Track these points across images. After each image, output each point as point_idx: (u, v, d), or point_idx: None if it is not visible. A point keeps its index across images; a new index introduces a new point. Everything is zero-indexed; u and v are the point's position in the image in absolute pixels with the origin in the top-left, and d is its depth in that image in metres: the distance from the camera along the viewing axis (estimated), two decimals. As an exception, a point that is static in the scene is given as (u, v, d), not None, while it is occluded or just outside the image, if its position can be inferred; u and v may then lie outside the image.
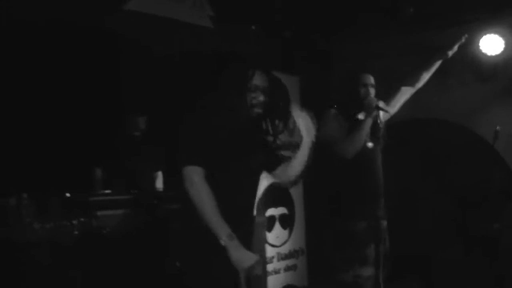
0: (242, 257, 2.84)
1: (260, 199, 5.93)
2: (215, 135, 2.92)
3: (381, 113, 4.21)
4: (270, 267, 5.89)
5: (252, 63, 3.21)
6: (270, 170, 3.28)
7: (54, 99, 4.62)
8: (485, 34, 5.57)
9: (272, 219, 6.06)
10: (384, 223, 4.22)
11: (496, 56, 5.60)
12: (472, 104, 5.86)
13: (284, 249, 6.21)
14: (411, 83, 4.46)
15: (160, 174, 5.34)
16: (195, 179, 2.84)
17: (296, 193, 6.41)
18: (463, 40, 4.51)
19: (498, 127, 4.98)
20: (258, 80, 3.10)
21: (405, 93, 4.46)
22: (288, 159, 3.32)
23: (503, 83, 5.73)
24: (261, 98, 3.07)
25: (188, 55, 5.30)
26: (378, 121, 4.20)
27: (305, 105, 6.33)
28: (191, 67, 5.32)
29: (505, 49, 5.54)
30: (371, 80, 4.24)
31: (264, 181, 5.95)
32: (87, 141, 4.73)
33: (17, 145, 4.27)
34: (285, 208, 6.27)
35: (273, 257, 6.03)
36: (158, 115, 5.37)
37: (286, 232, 6.26)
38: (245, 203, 3.08)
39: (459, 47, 4.51)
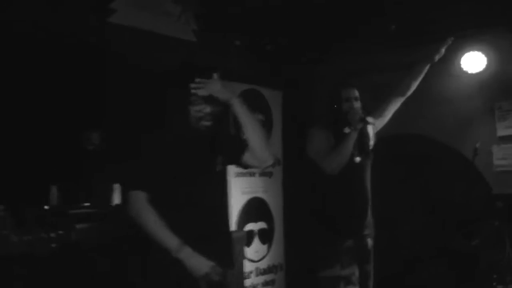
0: (196, 264, 2.87)
1: (239, 214, 5.91)
2: (160, 156, 2.91)
3: (370, 126, 4.17)
4: (248, 282, 5.85)
5: (194, 72, 3.11)
6: (237, 160, 3.24)
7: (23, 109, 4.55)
8: (467, 51, 5.63)
9: (251, 234, 6.03)
10: (370, 241, 4.16)
11: (476, 73, 5.66)
12: (453, 121, 5.89)
13: (263, 264, 6.18)
14: (400, 92, 4.42)
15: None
16: (138, 205, 2.87)
17: (276, 208, 6.39)
18: (449, 42, 4.46)
19: (477, 144, 5.03)
20: (202, 91, 3.04)
21: (395, 103, 4.43)
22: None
23: (483, 100, 5.77)
24: (208, 109, 3.02)
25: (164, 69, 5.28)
26: (366, 134, 4.16)
27: (288, 119, 6.47)
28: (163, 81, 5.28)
29: (486, 66, 5.61)
30: (354, 93, 4.18)
31: (243, 196, 5.98)
32: (48, 155, 4.64)
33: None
34: (264, 223, 6.24)
35: (251, 272, 6.00)
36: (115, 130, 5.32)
37: (265, 247, 6.23)
38: (207, 216, 3.02)
39: (441, 63, 4.51)
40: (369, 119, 4.05)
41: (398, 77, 4.60)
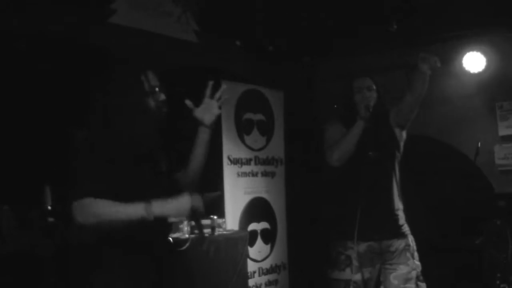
0: (177, 206, 2.81)
1: (242, 214, 5.92)
2: (106, 157, 2.81)
3: (393, 119, 3.96)
4: (251, 282, 5.85)
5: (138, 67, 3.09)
6: (173, 173, 3.22)
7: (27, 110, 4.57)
8: (468, 51, 5.65)
9: (254, 234, 6.04)
10: (390, 243, 3.84)
11: (478, 73, 5.68)
12: (454, 121, 5.90)
13: (266, 264, 6.19)
14: (410, 92, 3.97)
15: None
16: (86, 209, 2.71)
17: (278, 208, 6.40)
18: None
19: (479, 144, 5.03)
20: (153, 81, 3.04)
21: (407, 101, 3.97)
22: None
23: (485, 99, 5.78)
24: (163, 96, 3.04)
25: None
26: (382, 127, 3.92)
27: (290, 119, 6.48)
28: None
29: (487, 66, 5.63)
30: (366, 82, 3.99)
31: (246, 196, 6.00)
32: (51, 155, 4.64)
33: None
34: (267, 223, 6.25)
35: (254, 272, 6.00)
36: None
37: (267, 247, 6.24)
38: None
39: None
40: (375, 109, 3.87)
41: (398, 77, 4.59)
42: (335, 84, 6.60)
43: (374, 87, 3.99)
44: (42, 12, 4.30)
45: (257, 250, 6.08)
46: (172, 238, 4.52)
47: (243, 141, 6.04)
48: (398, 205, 3.93)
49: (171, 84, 3.19)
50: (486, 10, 5.15)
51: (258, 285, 6.06)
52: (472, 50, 5.66)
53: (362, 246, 3.80)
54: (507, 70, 5.58)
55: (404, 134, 4.06)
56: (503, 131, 5.75)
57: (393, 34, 5.57)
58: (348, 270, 3.79)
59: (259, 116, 6.26)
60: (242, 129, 6.04)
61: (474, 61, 5.65)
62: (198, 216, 2.97)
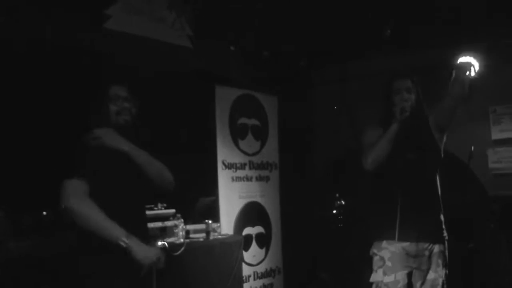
0: (146, 251, 2.99)
1: (237, 219, 5.93)
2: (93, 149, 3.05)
3: (433, 122, 3.81)
4: (246, 286, 5.86)
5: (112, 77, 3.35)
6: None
7: (27, 116, 4.58)
8: (461, 56, 5.66)
9: (248, 238, 6.05)
10: (427, 246, 3.64)
11: (473, 78, 5.69)
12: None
13: (261, 268, 6.20)
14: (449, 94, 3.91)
15: None
16: (77, 196, 2.93)
17: (273, 212, 6.42)
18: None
19: (473, 147, 5.05)
20: (117, 89, 3.26)
21: (444, 105, 3.88)
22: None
23: (478, 104, 5.81)
24: (126, 104, 3.24)
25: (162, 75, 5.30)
26: (420, 129, 3.78)
27: (284, 124, 6.50)
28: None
29: (478, 71, 5.64)
30: (406, 83, 3.82)
31: (240, 201, 6.01)
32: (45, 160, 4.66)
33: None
34: (261, 227, 6.26)
35: (249, 276, 6.02)
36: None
37: (262, 251, 6.25)
38: (134, 213, 3.19)
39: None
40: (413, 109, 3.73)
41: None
42: (329, 88, 6.68)
43: (414, 89, 3.84)
44: (36, 18, 4.30)
45: (252, 254, 6.09)
46: (167, 243, 4.53)
47: (237, 145, 6.06)
48: (440, 208, 3.79)
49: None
50: (479, 15, 5.19)
51: (253, 289, 6.08)
52: (465, 55, 5.67)
53: (397, 247, 3.63)
54: (500, 75, 5.61)
55: (444, 137, 3.95)
56: (496, 135, 5.79)
57: (387, 39, 5.61)
58: (380, 271, 3.66)
59: (253, 121, 6.28)
60: (237, 134, 6.05)
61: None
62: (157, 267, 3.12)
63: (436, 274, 3.64)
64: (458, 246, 5.40)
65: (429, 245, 3.65)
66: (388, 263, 3.63)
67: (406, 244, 3.62)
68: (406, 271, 3.65)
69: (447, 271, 3.69)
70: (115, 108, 3.22)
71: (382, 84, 3.93)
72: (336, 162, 6.80)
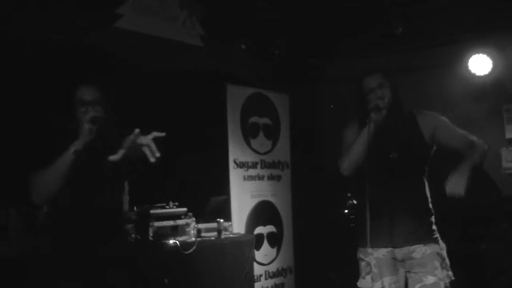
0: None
1: (249, 218, 5.93)
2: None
3: (423, 119, 3.62)
4: (258, 285, 5.86)
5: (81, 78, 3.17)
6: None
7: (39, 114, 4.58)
8: (474, 54, 5.64)
9: (260, 237, 6.04)
10: (413, 248, 3.46)
11: (484, 76, 5.66)
12: (461, 124, 5.87)
13: (272, 267, 6.19)
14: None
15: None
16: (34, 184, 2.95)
17: (284, 211, 6.40)
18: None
19: (486, 146, 5.01)
20: (85, 94, 3.08)
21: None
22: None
23: (491, 102, 5.77)
24: (92, 113, 3.02)
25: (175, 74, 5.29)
26: (402, 127, 3.58)
27: (295, 124, 6.48)
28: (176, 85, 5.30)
29: (492, 69, 5.61)
30: (378, 79, 3.59)
31: (252, 200, 6.01)
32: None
33: (4, 161, 4.22)
34: (273, 226, 6.25)
35: (261, 275, 6.01)
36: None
37: (274, 251, 6.25)
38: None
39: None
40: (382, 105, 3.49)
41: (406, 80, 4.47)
42: (341, 86, 6.65)
43: (387, 83, 3.60)
44: (47, 17, 4.31)
45: (264, 253, 6.09)
46: (179, 242, 4.54)
47: (249, 144, 6.05)
48: (427, 208, 3.59)
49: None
50: (490, 13, 5.15)
51: (265, 289, 6.07)
52: (478, 52, 5.65)
53: (381, 252, 3.49)
54: (513, 72, 5.57)
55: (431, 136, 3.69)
56: (510, 134, 5.75)
57: (399, 36, 5.58)
58: (368, 277, 3.51)
59: (264, 120, 6.27)
60: (248, 133, 6.05)
61: (480, 64, 5.63)
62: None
63: (436, 277, 3.42)
64: (471, 247, 5.40)
65: (415, 247, 3.45)
66: (375, 270, 3.49)
67: (389, 249, 3.48)
68: (394, 276, 3.49)
69: (451, 273, 3.48)
70: (81, 115, 3.03)
71: (355, 85, 3.72)
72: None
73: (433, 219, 3.58)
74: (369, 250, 3.46)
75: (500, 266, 5.34)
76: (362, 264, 3.56)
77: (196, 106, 5.46)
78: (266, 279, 6.09)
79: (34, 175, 2.95)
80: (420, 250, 3.45)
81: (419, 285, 3.44)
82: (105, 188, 3.15)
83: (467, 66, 5.69)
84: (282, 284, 6.30)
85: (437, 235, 3.54)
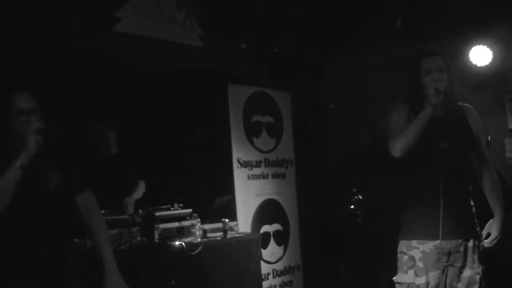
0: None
1: (254, 217, 5.92)
2: None
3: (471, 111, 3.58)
4: (266, 284, 5.85)
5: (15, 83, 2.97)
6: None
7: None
8: (474, 45, 5.64)
9: (266, 236, 6.04)
10: (461, 242, 3.39)
11: (485, 66, 5.66)
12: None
13: (280, 266, 6.19)
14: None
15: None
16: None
17: (290, 209, 6.40)
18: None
19: (489, 137, 5.01)
20: (23, 102, 2.82)
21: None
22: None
23: (493, 93, 5.76)
24: (37, 124, 2.81)
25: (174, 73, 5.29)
26: (459, 116, 3.52)
27: (298, 121, 6.48)
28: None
29: (493, 59, 5.61)
30: (439, 62, 3.46)
31: (257, 198, 6.00)
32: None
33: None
34: (279, 224, 6.25)
35: (268, 274, 6.00)
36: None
37: (281, 249, 6.24)
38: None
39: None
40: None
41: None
42: (343, 82, 6.65)
43: (446, 68, 3.47)
44: (46, 22, 4.32)
45: (270, 252, 6.08)
46: (185, 243, 4.54)
47: (252, 143, 6.04)
48: (471, 202, 3.51)
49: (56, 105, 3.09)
50: (490, 3, 5.14)
51: (273, 287, 6.06)
52: (478, 44, 5.65)
53: (429, 245, 3.37)
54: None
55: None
56: (513, 124, 5.74)
57: (399, 30, 5.57)
58: (411, 272, 3.38)
59: (267, 118, 6.26)
60: (251, 132, 6.04)
61: (480, 55, 5.64)
62: None
63: (473, 270, 3.38)
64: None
65: (463, 241, 3.38)
66: (419, 264, 3.37)
67: (438, 242, 3.35)
68: (439, 271, 3.37)
69: (484, 267, 3.43)
70: (22, 126, 2.82)
71: (409, 64, 3.58)
72: (351, 157, 6.77)
73: (474, 211, 3.52)
74: (414, 243, 3.39)
75: (509, 257, 5.32)
76: (405, 258, 3.43)
77: (198, 107, 5.47)
78: (274, 277, 6.09)
79: None
80: (464, 244, 3.39)
81: (457, 278, 3.39)
82: (51, 204, 2.96)
83: (468, 58, 5.69)
84: (290, 282, 6.30)
85: (478, 228, 3.49)
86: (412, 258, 3.40)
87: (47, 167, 2.91)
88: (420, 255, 3.38)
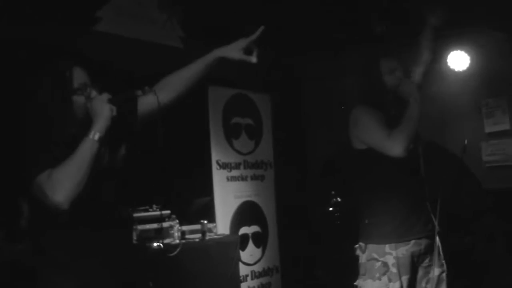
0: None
1: (233, 218, 5.93)
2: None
3: None
4: (244, 286, 5.86)
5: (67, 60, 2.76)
6: None
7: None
8: (452, 50, 5.69)
9: (245, 237, 6.05)
10: (430, 242, 3.42)
11: (463, 71, 5.72)
12: (441, 119, 5.93)
13: (258, 267, 6.20)
14: None
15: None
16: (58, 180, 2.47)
17: (269, 211, 6.41)
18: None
19: (466, 141, 5.06)
20: (80, 77, 2.71)
21: None
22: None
23: (470, 97, 5.82)
24: (94, 93, 2.71)
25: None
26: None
27: (277, 123, 6.49)
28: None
29: (470, 64, 5.67)
30: (396, 62, 3.53)
31: (236, 200, 6.01)
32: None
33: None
34: (258, 226, 6.26)
35: (247, 276, 6.01)
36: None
37: (259, 251, 6.25)
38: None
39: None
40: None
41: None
42: (322, 84, 6.66)
43: (401, 69, 3.54)
44: (26, 20, 4.29)
45: (249, 253, 6.09)
46: (163, 244, 4.53)
47: (231, 145, 6.06)
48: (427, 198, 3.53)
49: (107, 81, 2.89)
50: (468, 9, 5.19)
51: (251, 289, 6.08)
52: (456, 49, 5.71)
53: (402, 251, 3.33)
54: (491, 68, 5.61)
55: None
56: (489, 128, 5.80)
57: (378, 34, 5.60)
58: (384, 278, 3.31)
59: (247, 120, 6.28)
60: (230, 134, 6.06)
61: (458, 60, 5.69)
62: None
63: (440, 269, 3.43)
64: (456, 240, 5.43)
65: (429, 240, 3.42)
66: (393, 269, 3.30)
67: (410, 246, 3.34)
68: (412, 275, 3.37)
69: (445, 264, 3.49)
70: (83, 99, 2.70)
71: (367, 65, 3.63)
72: (331, 159, 6.80)
73: (430, 209, 3.53)
74: (387, 248, 3.34)
75: (485, 259, 5.38)
76: (377, 264, 3.36)
77: (178, 108, 5.45)
78: (252, 279, 6.10)
79: (56, 172, 2.47)
80: (431, 243, 3.43)
81: (426, 278, 3.42)
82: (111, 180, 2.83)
83: (446, 62, 5.75)
84: (269, 283, 6.31)
85: (437, 226, 3.50)
86: (385, 264, 3.33)
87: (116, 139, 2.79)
88: (394, 261, 3.32)
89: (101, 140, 2.61)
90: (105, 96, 2.67)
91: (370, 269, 3.40)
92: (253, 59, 2.90)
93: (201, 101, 5.75)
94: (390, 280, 3.32)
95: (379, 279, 3.34)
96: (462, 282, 5.34)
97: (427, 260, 3.44)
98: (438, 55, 5.73)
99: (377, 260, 3.37)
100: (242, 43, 2.93)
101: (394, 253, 3.34)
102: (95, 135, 2.58)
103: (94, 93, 2.70)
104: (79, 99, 2.67)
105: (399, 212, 3.37)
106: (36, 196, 2.51)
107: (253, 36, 2.91)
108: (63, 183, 2.46)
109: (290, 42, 6.21)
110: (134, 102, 2.86)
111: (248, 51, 2.92)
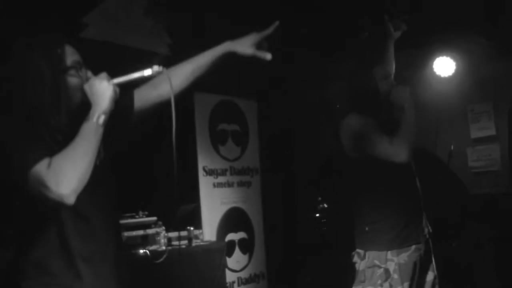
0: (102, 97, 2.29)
1: (219, 225, 5.91)
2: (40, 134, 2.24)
3: None
4: (230, 292, 5.86)
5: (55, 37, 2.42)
6: None
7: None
8: (438, 56, 5.73)
9: (231, 244, 6.03)
10: (426, 247, 3.40)
11: (449, 77, 5.75)
12: (427, 124, 5.94)
13: (245, 274, 6.18)
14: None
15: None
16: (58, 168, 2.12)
17: (255, 217, 6.40)
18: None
19: (452, 146, 5.09)
20: (73, 54, 2.36)
21: None
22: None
23: (456, 103, 5.85)
24: (89, 73, 2.37)
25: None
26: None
27: (264, 130, 6.48)
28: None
29: (456, 70, 5.71)
30: (387, 70, 3.59)
31: (222, 207, 5.99)
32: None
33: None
34: (244, 233, 6.25)
35: (233, 282, 6.00)
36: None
37: (246, 257, 6.24)
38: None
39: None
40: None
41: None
42: (310, 90, 6.67)
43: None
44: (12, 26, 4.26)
45: (236, 260, 6.07)
46: (149, 251, 4.51)
47: (218, 151, 6.04)
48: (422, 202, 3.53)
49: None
50: (453, 16, 5.22)
51: (238, 295, 6.06)
52: (442, 55, 5.74)
53: (403, 257, 3.30)
54: (476, 73, 5.66)
55: None
56: (475, 134, 5.84)
57: (365, 40, 5.62)
58: (386, 284, 3.27)
59: (233, 127, 6.27)
60: (217, 140, 6.04)
61: (444, 66, 5.73)
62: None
63: (433, 273, 3.44)
64: (442, 245, 5.45)
65: (427, 245, 3.41)
66: (395, 276, 3.26)
67: (411, 252, 3.31)
68: (413, 281, 3.32)
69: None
70: (79, 79, 2.34)
71: (360, 73, 3.60)
72: (318, 166, 6.80)
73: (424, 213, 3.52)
74: (389, 255, 3.30)
75: (471, 264, 5.40)
76: (379, 271, 3.30)
77: (164, 115, 5.43)
78: (238, 285, 6.08)
79: (57, 161, 2.13)
80: (427, 247, 3.42)
81: (423, 281, 3.40)
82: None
83: (432, 68, 5.78)
84: (255, 290, 6.31)
85: (430, 229, 3.51)
86: (386, 271, 3.29)
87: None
88: (396, 267, 3.28)
89: (105, 123, 2.28)
90: (105, 75, 2.34)
91: (370, 276, 3.35)
92: (268, 55, 2.60)
93: (187, 107, 5.72)
94: (391, 287, 3.29)
95: (381, 285, 3.29)
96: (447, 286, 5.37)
97: (424, 264, 3.42)
98: (424, 61, 5.77)
99: (379, 267, 3.32)
100: (255, 38, 2.62)
101: (395, 259, 3.30)
102: (99, 118, 2.25)
103: (90, 73, 2.38)
104: (73, 80, 2.33)
105: (400, 218, 3.35)
106: (33, 190, 2.14)
107: (267, 32, 2.62)
108: (67, 173, 2.12)
109: (278, 48, 6.22)
110: (131, 89, 2.56)
111: (259, 47, 2.63)
